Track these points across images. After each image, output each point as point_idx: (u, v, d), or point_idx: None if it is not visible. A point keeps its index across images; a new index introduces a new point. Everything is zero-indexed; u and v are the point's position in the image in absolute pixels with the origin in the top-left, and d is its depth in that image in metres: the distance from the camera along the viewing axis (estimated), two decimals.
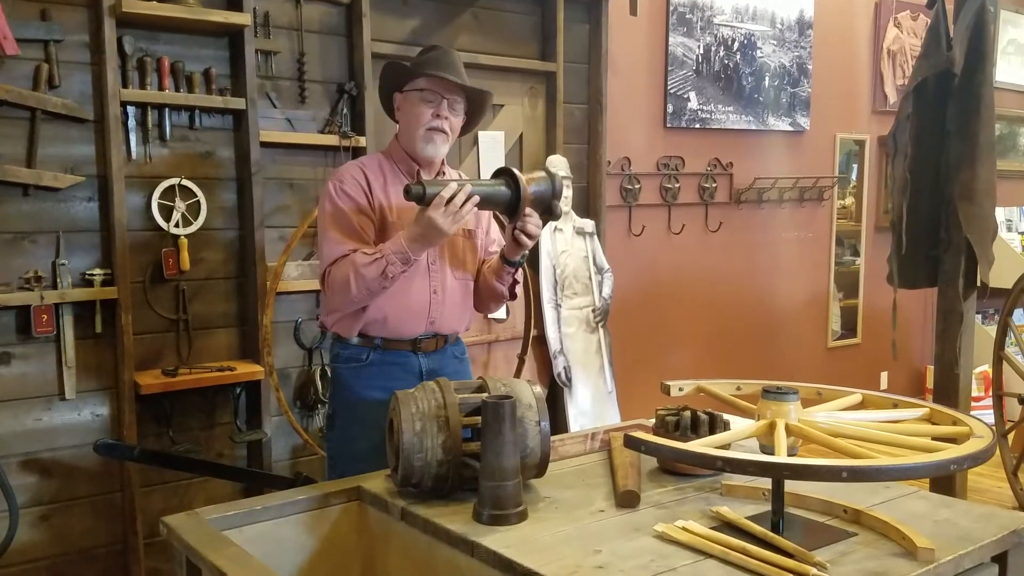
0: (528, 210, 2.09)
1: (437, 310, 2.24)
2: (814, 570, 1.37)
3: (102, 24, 2.73)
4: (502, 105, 3.72)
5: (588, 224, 3.93)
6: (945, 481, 3.11)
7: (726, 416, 1.97)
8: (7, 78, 2.66)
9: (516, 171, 2.09)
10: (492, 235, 2.42)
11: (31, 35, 2.68)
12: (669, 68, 4.39)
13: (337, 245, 2.14)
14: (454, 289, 2.28)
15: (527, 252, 2.24)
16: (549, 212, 2.15)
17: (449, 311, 2.26)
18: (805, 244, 5.20)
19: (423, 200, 1.97)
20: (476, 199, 2.00)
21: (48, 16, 2.72)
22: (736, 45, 4.66)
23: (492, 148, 3.71)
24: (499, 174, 2.13)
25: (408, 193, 1.97)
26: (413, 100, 2.22)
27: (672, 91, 4.42)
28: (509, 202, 2.08)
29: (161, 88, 2.88)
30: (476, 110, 2.33)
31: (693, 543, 1.52)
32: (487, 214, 2.40)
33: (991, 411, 4.32)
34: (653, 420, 2.01)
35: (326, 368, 3.24)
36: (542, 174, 2.14)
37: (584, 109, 3.99)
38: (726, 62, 4.63)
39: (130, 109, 2.85)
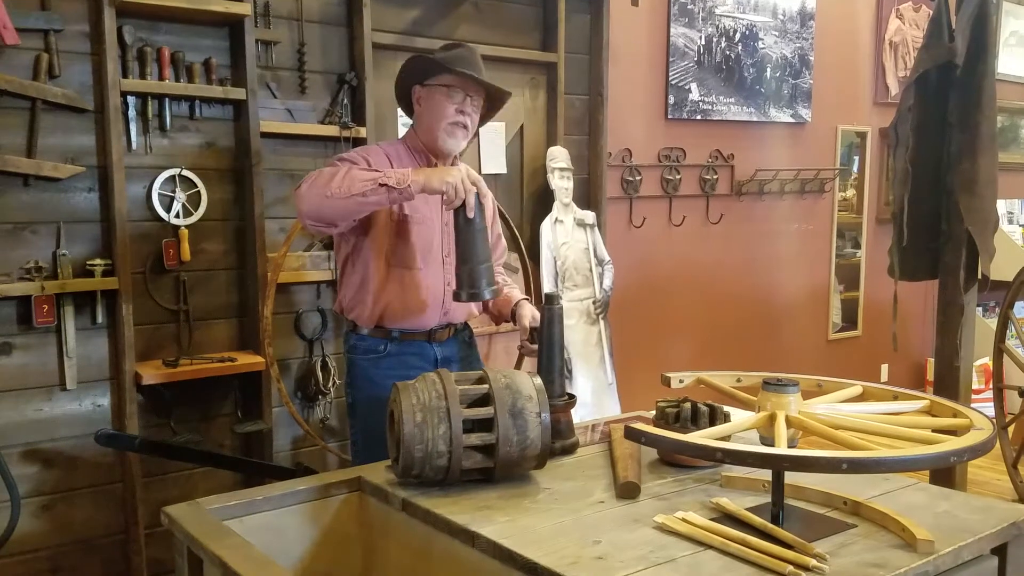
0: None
1: (451, 301, 2.30)
2: (814, 561, 1.38)
3: (102, 14, 2.72)
4: None
5: (589, 216, 3.92)
6: (945, 473, 3.11)
7: (726, 408, 1.97)
8: (7, 68, 2.65)
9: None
10: (496, 229, 2.50)
11: (31, 24, 2.67)
12: (670, 59, 4.38)
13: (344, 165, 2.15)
14: None
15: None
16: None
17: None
18: (806, 236, 5.19)
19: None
20: (478, 193, 2.09)
21: (48, 5, 2.71)
22: (738, 36, 4.64)
23: (493, 140, 3.70)
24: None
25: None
26: (436, 95, 2.27)
27: (673, 82, 4.40)
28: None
29: (161, 78, 2.88)
30: (492, 108, 2.41)
31: (693, 534, 1.52)
32: (492, 210, 2.48)
33: (991, 404, 4.33)
34: (653, 412, 2.01)
35: (327, 359, 3.25)
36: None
37: (585, 100, 3.98)
38: (728, 53, 4.61)
39: (130, 99, 2.84)
